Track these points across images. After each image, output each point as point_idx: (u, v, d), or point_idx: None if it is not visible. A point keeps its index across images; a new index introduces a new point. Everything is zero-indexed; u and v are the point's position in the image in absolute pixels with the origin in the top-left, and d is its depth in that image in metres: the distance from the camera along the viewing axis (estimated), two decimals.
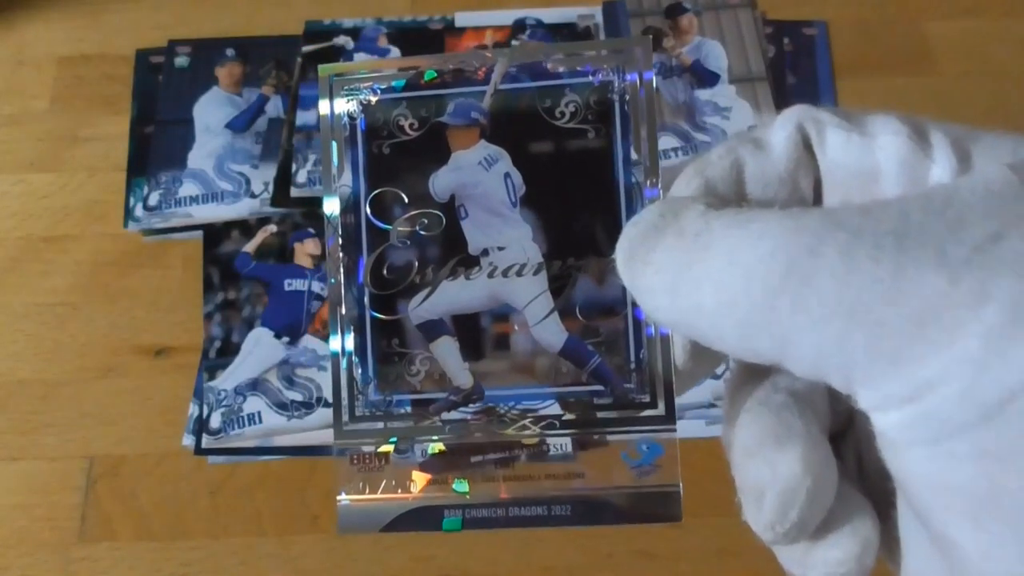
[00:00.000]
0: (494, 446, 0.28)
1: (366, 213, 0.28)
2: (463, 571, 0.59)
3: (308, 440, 0.62)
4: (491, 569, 0.58)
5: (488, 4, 0.75)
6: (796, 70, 0.73)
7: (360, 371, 0.28)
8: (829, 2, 0.75)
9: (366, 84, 0.28)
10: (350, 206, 0.28)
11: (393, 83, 0.28)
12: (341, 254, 0.28)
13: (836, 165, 0.21)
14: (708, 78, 0.72)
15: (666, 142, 0.69)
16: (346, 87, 0.28)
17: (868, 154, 0.20)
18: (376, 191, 0.28)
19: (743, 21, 0.74)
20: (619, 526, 0.58)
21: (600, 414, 0.27)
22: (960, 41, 0.74)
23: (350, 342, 0.28)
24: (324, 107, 0.28)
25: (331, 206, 0.28)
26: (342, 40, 0.74)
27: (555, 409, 0.27)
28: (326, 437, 0.62)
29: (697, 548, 0.58)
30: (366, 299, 0.28)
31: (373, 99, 0.28)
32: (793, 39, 0.74)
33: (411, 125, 0.28)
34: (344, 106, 0.28)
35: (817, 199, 0.21)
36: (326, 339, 0.65)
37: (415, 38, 0.74)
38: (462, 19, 0.75)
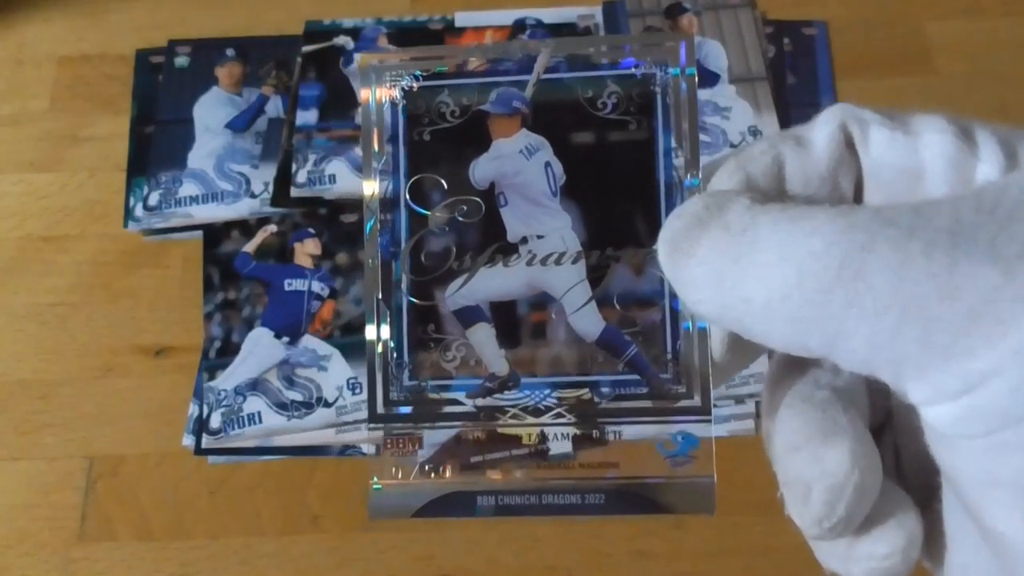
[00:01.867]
0: (522, 439, 0.28)
1: (405, 198, 0.28)
2: (463, 571, 0.58)
3: (308, 440, 0.62)
4: (491, 569, 0.58)
5: (488, 4, 0.75)
6: (796, 70, 0.73)
7: (395, 356, 0.28)
8: (829, 2, 0.76)
9: (408, 71, 0.28)
10: (389, 191, 0.28)
11: (436, 69, 0.28)
12: (379, 239, 0.28)
13: (880, 164, 0.21)
14: (708, 78, 0.72)
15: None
16: (389, 73, 0.28)
17: (913, 152, 0.20)
18: (416, 177, 0.28)
19: (743, 21, 0.74)
20: (619, 525, 0.58)
21: (635, 404, 0.27)
22: (960, 41, 0.74)
23: (385, 328, 0.28)
24: (366, 94, 0.28)
25: (370, 190, 0.28)
26: (342, 40, 0.74)
27: (591, 398, 0.27)
28: (326, 437, 0.62)
29: (697, 548, 0.58)
30: (403, 284, 0.28)
31: (415, 86, 0.28)
32: (793, 39, 0.74)
33: (452, 112, 0.28)
34: (386, 92, 0.28)
35: (857, 198, 0.21)
36: (326, 339, 0.65)
37: (415, 38, 0.74)
38: (462, 19, 0.75)
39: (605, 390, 0.27)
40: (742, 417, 0.61)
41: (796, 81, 0.72)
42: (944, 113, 0.20)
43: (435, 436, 0.28)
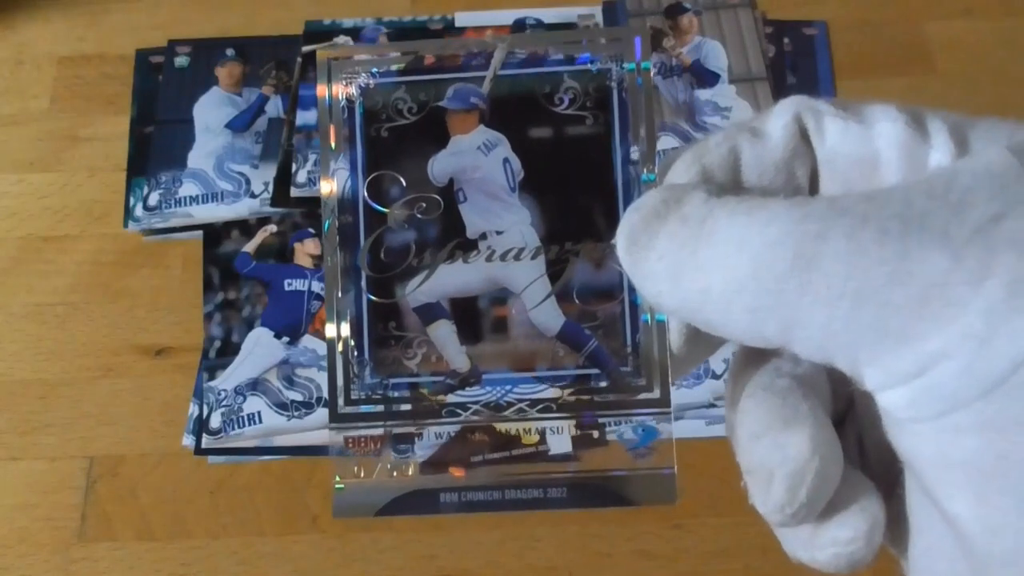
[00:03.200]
0: (493, 445, 0.28)
1: (364, 196, 0.28)
2: (463, 571, 0.58)
3: (308, 440, 0.62)
4: (491, 569, 0.58)
5: (488, 4, 0.75)
6: (796, 70, 0.73)
7: (356, 354, 0.28)
8: (829, 2, 0.76)
9: (365, 68, 0.28)
10: (347, 189, 0.28)
11: (392, 67, 0.28)
12: (338, 237, 0.28)
13: (835, 153, 0.21)
14: (708, 78, 0.72)
15: (666, 142, 0.69)
16: (345, 71, 0.28)
17: (867, 141, 0.20)
18: (374, 174, 0.28)
19: (743, 21, 0.74)
20: (619, 525, 0.58)
21: (596, 397, 0.27)
22: (960, 41, 0.74)
23: (346, 326, 0.28)
24: (322, 90, 0.28)
25: (328, 188, 0.28)
26: (342, 40, 0.74)
27: (551, 392, 0.27)
28: (326, 437, 0.62)
29: (697, 548, 0.58)
30: (363, 282, 0.28)
31: (372, 83, 0.28)
32: (793, 39, 0.74)
33: (410, 109, 0.28)
34: (343, 89, 0.28)
35: (812, 188, 0.22)
36: (326, 348, 0.64)
37: (415, 38, 0.74)
38: (462, 19, 0.75)
39: (566, 384, 0.28)
40: None
41: (796, 81, 0.72)
42: (895, 102, 0.20)
43: (401, 450, 0.28)
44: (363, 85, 0.28)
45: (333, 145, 0.28)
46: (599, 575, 0.58)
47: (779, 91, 0.71)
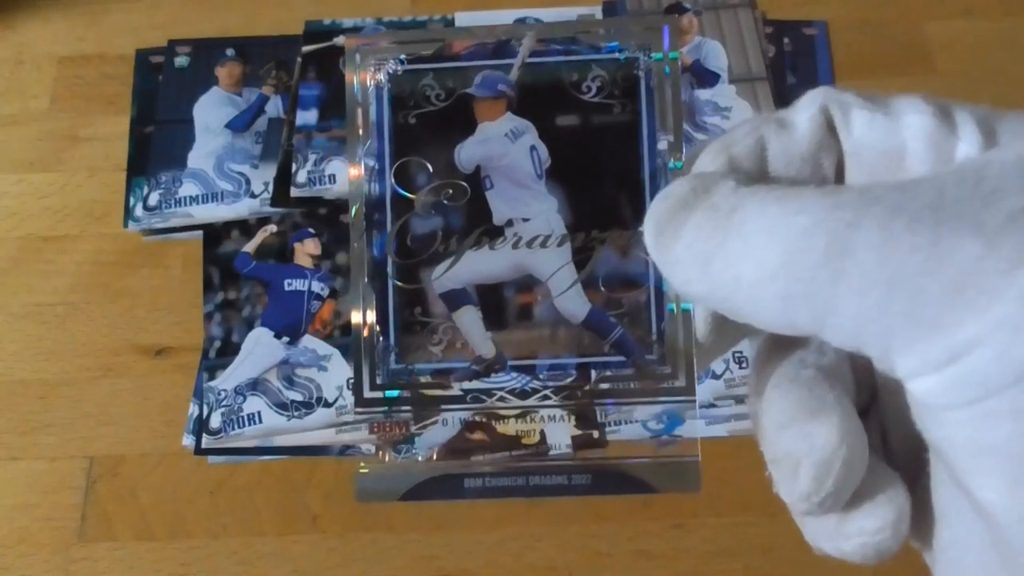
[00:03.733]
0: (509, 442, 0.28)
1: (390, 182, 0.28)
2: (463, 571, 0.58)
3: (308, 440, 0.62)
4: (491, 569, 0.58)
5: (488, 4, 0.75)
6: (796, 70, 0.73)
7: (381, 340, 0.28)
8: (829, 2, 0.76)
9: (393, 55, 0.28)
10: (374, 175, 0.28)
11: (421, 53, 0.28)
12: (364, 222, 0.28)
13: (862, 145, 0.21)
14: (708, 78, 0.72)
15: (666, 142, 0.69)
16: (373, 57, 0.28)
17: (894, 133, 0.20)
18: (401, 160, 0.28)
19: (743, 21, 0.74)
20: (619, 525, 0.58)
21: (621, 385, 0.27)
22: (960, 41, 0.74)
23: (371, 312, 0.28)
24: (350, 77, 0.28)
25: (355, 173, 0.28)
26: (342, 40, 0.74)
27: (576, 380, 0.28)
28: (326, 437, 0.62)
29: (697, 548, 0.58)
30: (389, 268, 0.28)
31: (400, 70, 0.28)
32: (793, 39, 0.74)
33: (437, 96, 0.28)
34: (370, 76, 0.28)
35: (838, 180, 0.22)
36: (326, 339, 0.65)
37: None
38: (462, 19, 0.75)
39: (591, 372, 0.28)
40: (742, 417, 0.61)
41: (796, 81, 0.72)
42: (923, 94, 0.21)
43: (431, 433, 0.28)
44: (391, 72, 0.28)
45: (360, 131, 0.28)
46: (599, 575, 0.58)
47: (779, 91, 0.71)
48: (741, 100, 0.71)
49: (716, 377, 0.62)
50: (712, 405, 0.61)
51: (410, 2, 0.77)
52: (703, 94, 0.71)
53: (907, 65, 0.73)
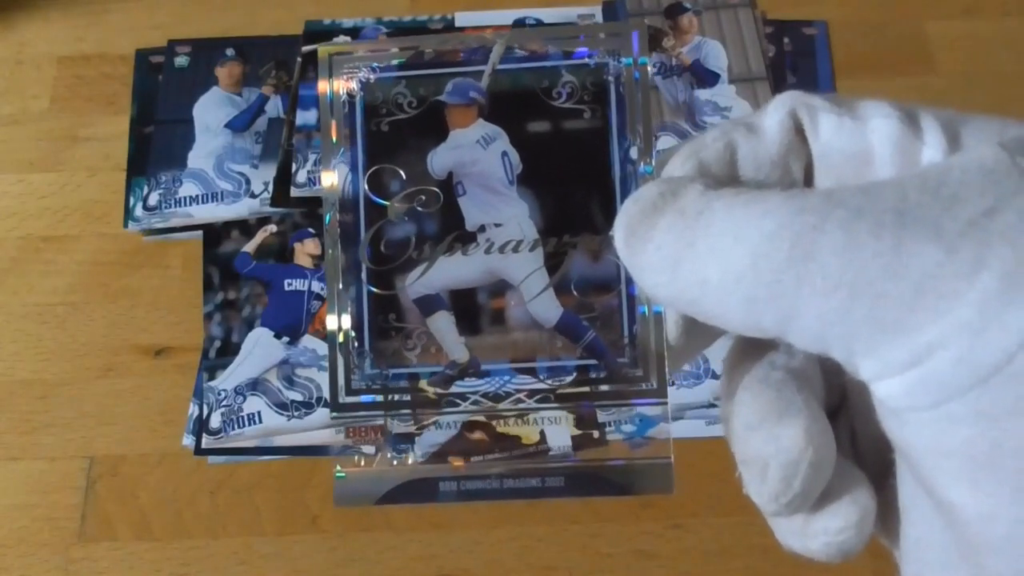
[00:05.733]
0: (493, 443, 0.28)
1: (364, 189, 0.28)
2: (463, 571, 0.58)
3: (308, 440, 0.62)
4: (491, 569, 0.58)
5: (488, 4, 0.75)
6: (796, 70, 0.73)
7: (357, 345, 0.28)
8: (829, 2, 0.76)
9: (365, 63, 0.28)
10: (348, 182, 0.28)
11: (392, 62, 0.29)
12: (339, 229, 0.28)
13: (829, 148, 0.21)
14: (708, 78, 0.72)
15: (666, 142, 0.69)
16: (346, 66, 0.28)
17: (861, 137, 0.21)
18: (374, 168, 0.28)
19: (743, 21, 0.74)
20: (619, 525, 0.58)
21: (593, 388, 0.28)
22: (960, 41, 0.74)
23: (347, 317, 0.28)
24: (323, 86, 0.28)
25: (329, 182, 0.28)
26: (342, 40, 0.74)
27: (549, 383, 0.28)
28: (326, 437, 0.62)
29: (697, 548, 0.58)
30: (363, 274, 0.28)
31: (372, 78, 0.28)
32: (793, 39, 0.74)
33: (410, 103, 0.28)
34: (343, 84, 0.28)
35: (807, 183, 0.22)
36: (326, 339, 0.65)
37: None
38: (462, 19, 0.75)
39: (564, 375, 0.28)
40: None
41: (796, 81, 0.72)
42: (888, 99, 0.21)
43: (400, 450, 0.28)
44: (363, 80, 0.29)
45: (334, 139, 0.28)
46: (599, 575, 0.58)
47: (779, 91, 0.71)
48: (741, 100, 0.71)
49: (716, 377, 0.62)
50: (712, 405, 0.61)
51: (410, 2, 0.77)
52: (703, 94, 0.71)
53: (907, 65, 0.73)
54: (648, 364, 0.27)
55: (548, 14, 0.75)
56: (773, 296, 0.18)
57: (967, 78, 0.72)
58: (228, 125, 0.72)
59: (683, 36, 0.73)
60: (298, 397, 0.63)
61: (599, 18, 0.74)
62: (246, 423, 0.62)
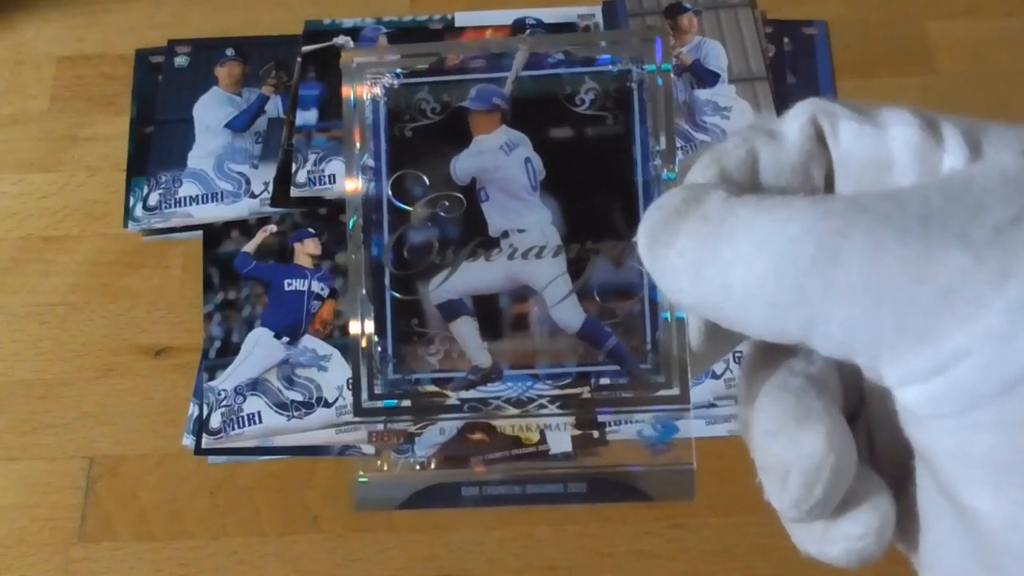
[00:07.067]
0: (509, 442, 0.28)
1: (387, 194, 0.28)
2: (463, 571, 0.58)
3: (308, 440, 0.62)
4: (491, 569, 0.58)
5: (488, 4, 0.75)
6: (796, 70, 0.73)
7: (379, 350, 0.28)
8: (829, 2, 0.76)
9: (389, 69, 0.29)
10: (371, 187, 0.28)
11: (416, 67, 0.29)
12: (362, 235, 0.28)
13: (849, 155, 0.21)
14: (708, 78, 0.72)
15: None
16: (370, 71, 0.28)
17: (881, 144, 0.21)
18: (397, 173, 0.28)
19: (743, 21, 0.74)
20: (619, 525, 0.58)
21: (616, 394, 0.28)
22: (960, 41, 0.74)
23: (369, 322, 0.28)
24: (347, 91, 0.29)
25: (352, 186, 0.28)
26: (342, 40, 0.74)
27: (572, 389, 0.28)
28: (326, 437, 0.62)
29: (697, 548, 0.58)
30: (386, 279, 0.28)
31: (396, 83, 0.29)
32: (793, 39, 0.74)
33: (433, 109, 0.29)
34: (367, 90, 0.29)
35: (828, 190, 0.22)
36: (326, 339, 0.65)
37: (415, 38, 0.74)
38: (462, 19, 0.75)
39: (586, 381, 0.28)
40: None
41: (796, 81, 0.72)
42: (910, 106, 0.21)
43: (430, 434, 0.28)
44: (387, 86, 0.29)
45: (358, 144, 0.28)
46: (599, 575, 0.58)
47: (779, 91, 0.71)
48: (741, 100, 0.71)
49: (716, 377, 0.62)
50: (712, 405, 0.61)
51: (410, 2, 0.77)
52: (703, 94, 0.71)
53: (907, 65, 0.73)
54: (670, 370, 0.27)
55: (548, 14, 0.75)
56: (797, 302, 0.18)
57: (967, 78, 0.72)
58: (228, 125, 0.72)
59: (683, 36, 0.73)
60: (298, 397, 0.63)
61: (599, 18, 0.74)
62: (246, 423, 0.62)
